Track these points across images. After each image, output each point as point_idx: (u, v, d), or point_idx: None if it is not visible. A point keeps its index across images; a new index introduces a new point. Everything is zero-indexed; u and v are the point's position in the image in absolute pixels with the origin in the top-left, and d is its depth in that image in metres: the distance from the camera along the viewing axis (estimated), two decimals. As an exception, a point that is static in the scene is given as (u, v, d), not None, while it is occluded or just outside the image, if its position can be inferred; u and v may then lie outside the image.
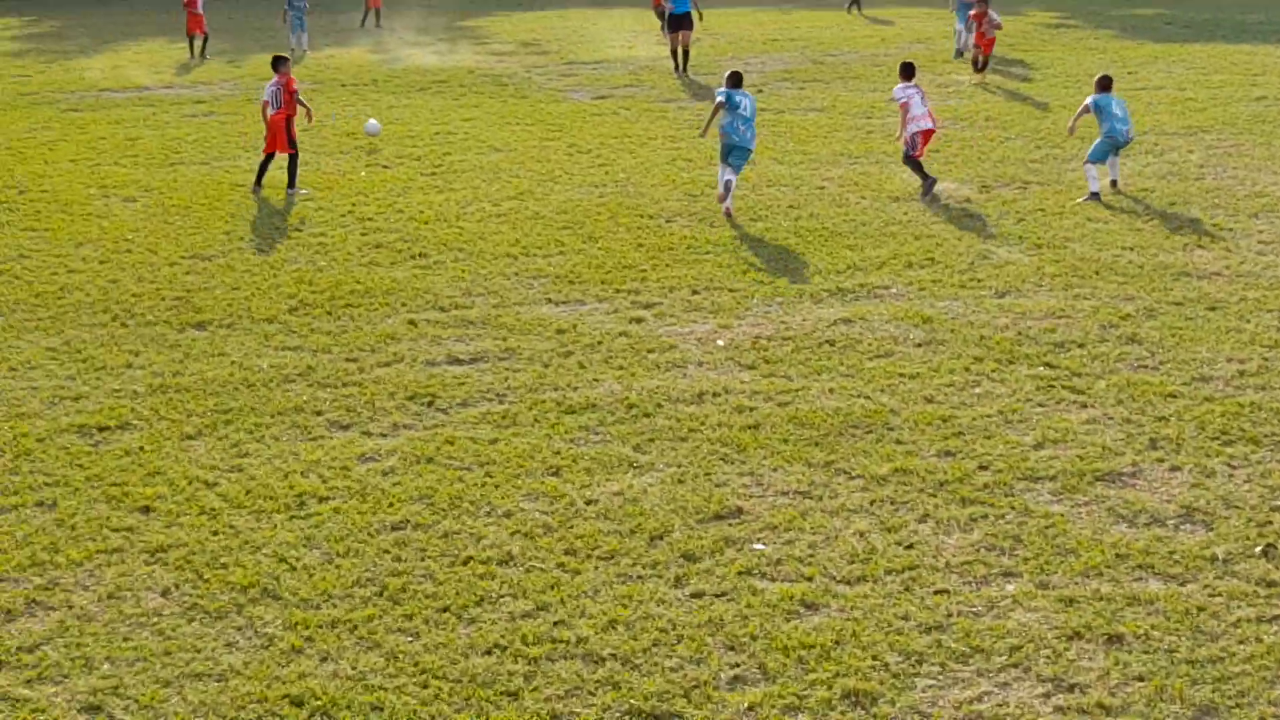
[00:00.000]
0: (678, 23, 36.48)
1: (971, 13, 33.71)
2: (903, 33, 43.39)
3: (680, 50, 36.35)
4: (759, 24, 46.81)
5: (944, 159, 24.15)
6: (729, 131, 21.00)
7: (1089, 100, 21.95)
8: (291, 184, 23.06)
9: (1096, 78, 22.61)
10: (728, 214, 20.71)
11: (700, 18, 37.16)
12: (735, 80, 21.45)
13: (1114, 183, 21.67)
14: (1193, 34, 40.68)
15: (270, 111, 23.06)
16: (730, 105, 20.99)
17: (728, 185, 20.91)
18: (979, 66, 33.08)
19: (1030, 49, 38.51)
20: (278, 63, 23.74)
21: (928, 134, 22.20)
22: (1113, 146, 21.59)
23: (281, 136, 23.06)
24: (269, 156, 23.16)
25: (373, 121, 27.60)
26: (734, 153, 20.97)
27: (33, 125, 30.29)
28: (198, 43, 42.01)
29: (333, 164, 25.36)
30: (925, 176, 21.94)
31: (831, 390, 14.13)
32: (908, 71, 22.77)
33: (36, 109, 32.65)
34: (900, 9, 48.75)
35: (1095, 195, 21.08)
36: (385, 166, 25.13)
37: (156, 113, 31.73)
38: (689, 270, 18.23)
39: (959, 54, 36.63)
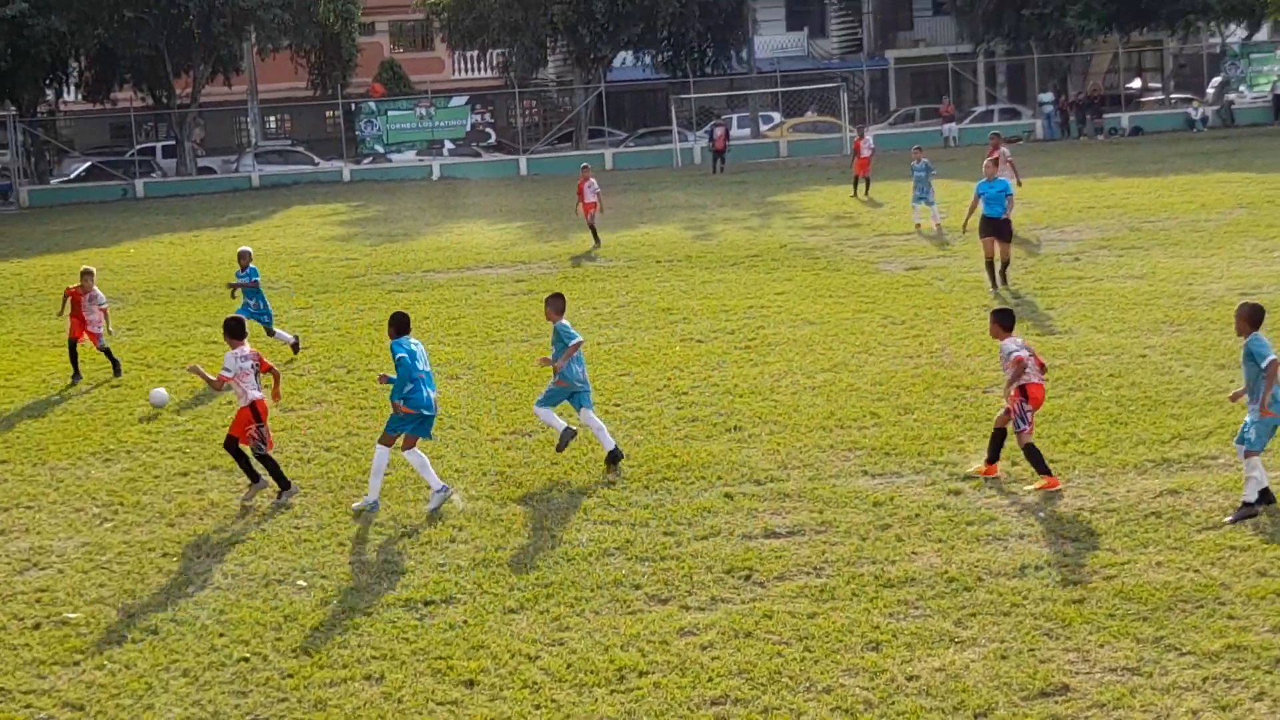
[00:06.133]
0: (992, 228, 29.39)
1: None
2: (1236, 195, 42.54)
3: (998, 261, 29.25)
4: (1073, 192, 46.46)
5: None
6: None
7: None
8: None
9: None
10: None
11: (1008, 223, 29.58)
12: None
13: None
14: None
15: None
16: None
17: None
18: None
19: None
20: None
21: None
22: None
23: None
24: None
25: (159, 391, 21.43)
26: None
27: (360, 306, 31.39)
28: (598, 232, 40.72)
29: (648, 339, 25.72)
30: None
31: (1159, 563, 13.73)
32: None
33: (363, 290, 33.85)
34: None
35: None
36: (699, 341, 25.38)
37: (478, 291, 32.63)
38: (1007, 440, 17.96)
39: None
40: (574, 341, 18.13)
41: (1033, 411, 16.40)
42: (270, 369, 17.72)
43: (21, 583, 14.96)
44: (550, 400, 18.40)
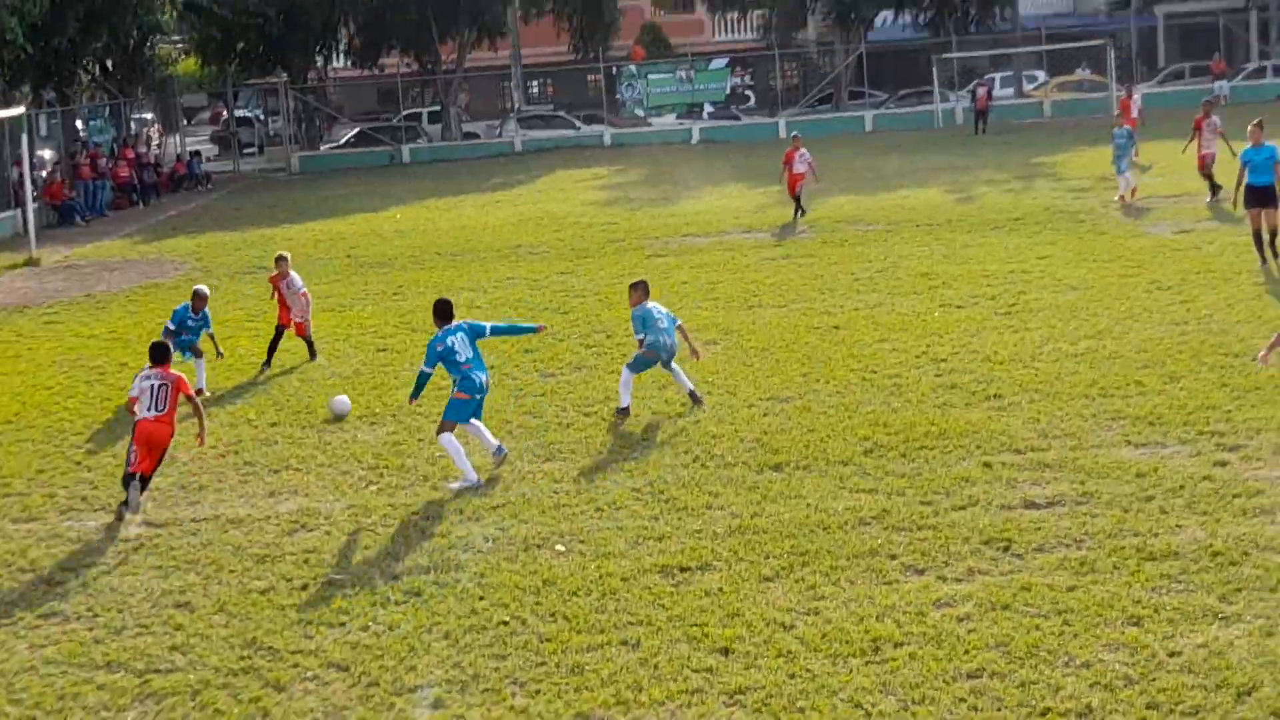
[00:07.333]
0: (1258, 197, 27.12)
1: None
2: None
3: (1266, 232, 27.04)
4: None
5: None
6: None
7: None
8: None
9: None
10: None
11: None
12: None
13: None
14: None
15: None
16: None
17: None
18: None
19: None
20: None
21: None
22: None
23: None
24: None
25: (341, 399, 21.14)
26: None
27: (619, 271, 31.56)
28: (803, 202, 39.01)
29: (907, 305, 25.52)
30: None
31: None
32: None
33: (623, 255, 34.07)
34: None
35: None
36: (959, 306, 25.11)
37: (736, 256, 32.65)
38: (1277, 410, 17.50)
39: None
40: (639, 338, 19.74)
41: None
42: (192, 401, 17.07)
43: (290, 544, 15.40)
44: (638, 366, 19.78)
